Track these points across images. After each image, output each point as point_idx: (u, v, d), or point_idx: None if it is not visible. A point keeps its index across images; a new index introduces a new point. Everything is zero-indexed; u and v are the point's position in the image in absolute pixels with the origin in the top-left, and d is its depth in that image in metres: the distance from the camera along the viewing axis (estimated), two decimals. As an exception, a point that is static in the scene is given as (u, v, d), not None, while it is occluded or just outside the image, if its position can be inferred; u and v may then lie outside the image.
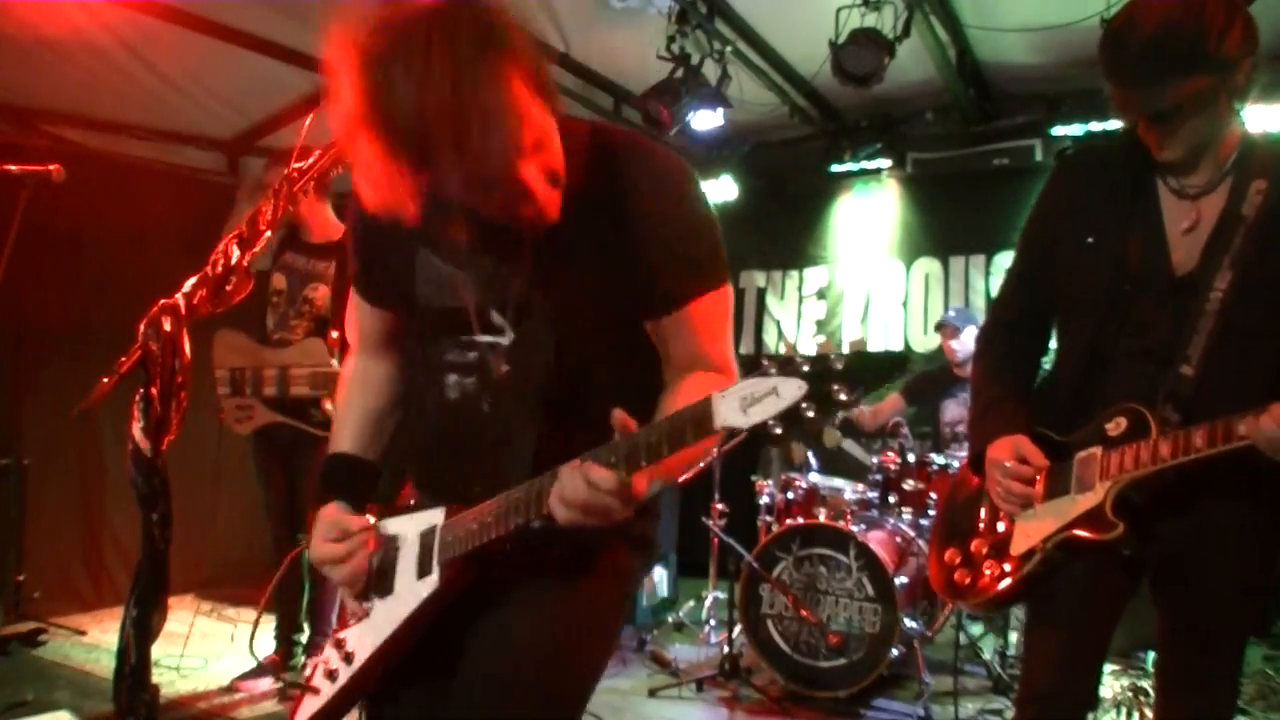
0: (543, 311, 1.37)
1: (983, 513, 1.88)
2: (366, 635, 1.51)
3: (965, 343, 4.65)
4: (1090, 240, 1.76)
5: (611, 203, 1.34)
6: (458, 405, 1.45)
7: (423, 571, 1.45)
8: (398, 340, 1.60)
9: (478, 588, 1.44)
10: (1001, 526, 1.82)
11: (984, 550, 1.84)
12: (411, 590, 1.46)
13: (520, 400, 1.41)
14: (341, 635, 1.57)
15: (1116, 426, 1.68)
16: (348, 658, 1.53)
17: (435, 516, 1.46)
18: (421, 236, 1.40)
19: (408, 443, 1.61)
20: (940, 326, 4.91)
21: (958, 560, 1.88)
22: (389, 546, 1.52)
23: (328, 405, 3.58)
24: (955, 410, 4.73)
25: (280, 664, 3.78)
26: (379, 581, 1.52)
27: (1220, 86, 1.59)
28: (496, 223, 1.31)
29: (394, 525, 1.54)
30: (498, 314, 1.40)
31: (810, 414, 1.01)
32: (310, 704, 1.58)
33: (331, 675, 1.55)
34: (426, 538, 1.47)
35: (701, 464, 1.35)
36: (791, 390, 1.01)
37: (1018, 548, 1.76)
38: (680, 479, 1.29)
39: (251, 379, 3.67)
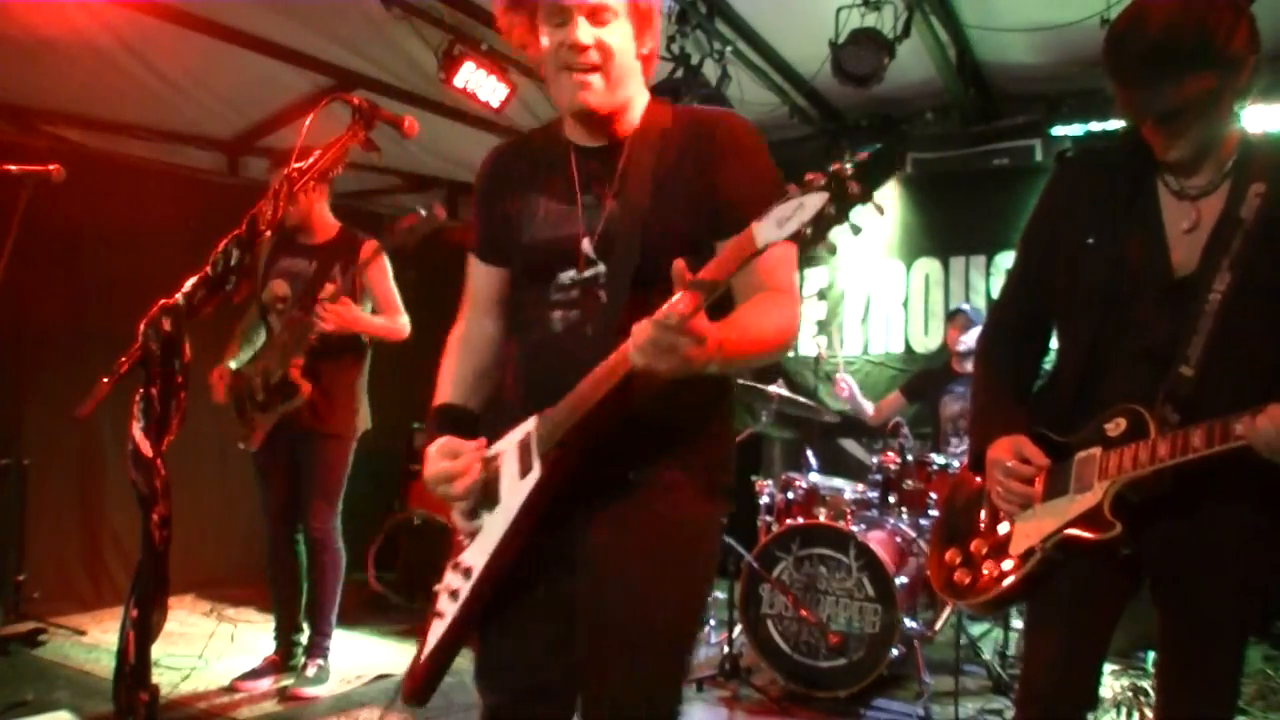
0: (630, 240, 1.56)
1: (983, 513, 1.88)
2: (481, 547, 1.62)
3: (971, 339, 4.67)
4: (1090, 241, 1.76)
5: (697, 147, 1.60)
6: (562, 335, 1.61)
7: (524, 471, 1.58)
8: (505, 303, 1.79)
9: (567, 552, 1.59)
10: (1001, 527, 1.83)
11: (984, 550, 1.84)
12: (517, 491, 1.58)
13: (613, 322, 1.55)
14: (458, 559, 1.67)
15: (1116, 427, 1.69)
16: (466, 573, 1.64)
17: (528, 424, 1.59)
18: (534, 181, 1.69)
19: (513, 386, 1.72)
20: (955, 314, 4.91)
21: (958, 560, 1.88)
22: (491, 467, 1.64)
23: (295, 374, 3.61)
24: (955, 405, 4.74)
25: (280, 664, 3.78)
26: (486, 499, 1.64)
27: (1226, 86, 1.59)
28: (587, 161, 1.63)
29: (493, 449, 1.66)
30: (590, 244, 1.60)
31: (833, 213, 1.19)
32: (438, 626, 1.67)
33: (454, 594, 1.65)
34: (524, 443, 1.59)
35: (770, 357, 1.59)
36: (815, 200, 1.19)
37: (1017, 548, 1.76)
38: (749, 361, 1.56)
39: (247, 395, 3.70)
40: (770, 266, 1.54)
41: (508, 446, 1.63)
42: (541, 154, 1.71)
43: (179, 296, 1.56)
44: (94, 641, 4.27)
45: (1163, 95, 1.58)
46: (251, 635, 4.29)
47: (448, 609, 1.66)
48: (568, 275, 1.62)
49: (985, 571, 1.81)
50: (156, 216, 4.84)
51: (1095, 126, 4.92)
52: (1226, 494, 1.65)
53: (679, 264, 1.31)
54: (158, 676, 1.50)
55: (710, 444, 1.68)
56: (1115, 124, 4.82)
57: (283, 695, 3.60)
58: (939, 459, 4.19)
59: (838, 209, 1.19)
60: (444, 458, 1.63)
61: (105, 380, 1.63)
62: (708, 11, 4.22)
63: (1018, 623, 3.94)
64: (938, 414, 4.86)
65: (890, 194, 5.97)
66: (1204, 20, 1.55)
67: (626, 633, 1.56)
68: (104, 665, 3.89)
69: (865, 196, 1.19)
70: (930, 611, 4.06)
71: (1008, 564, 1.77)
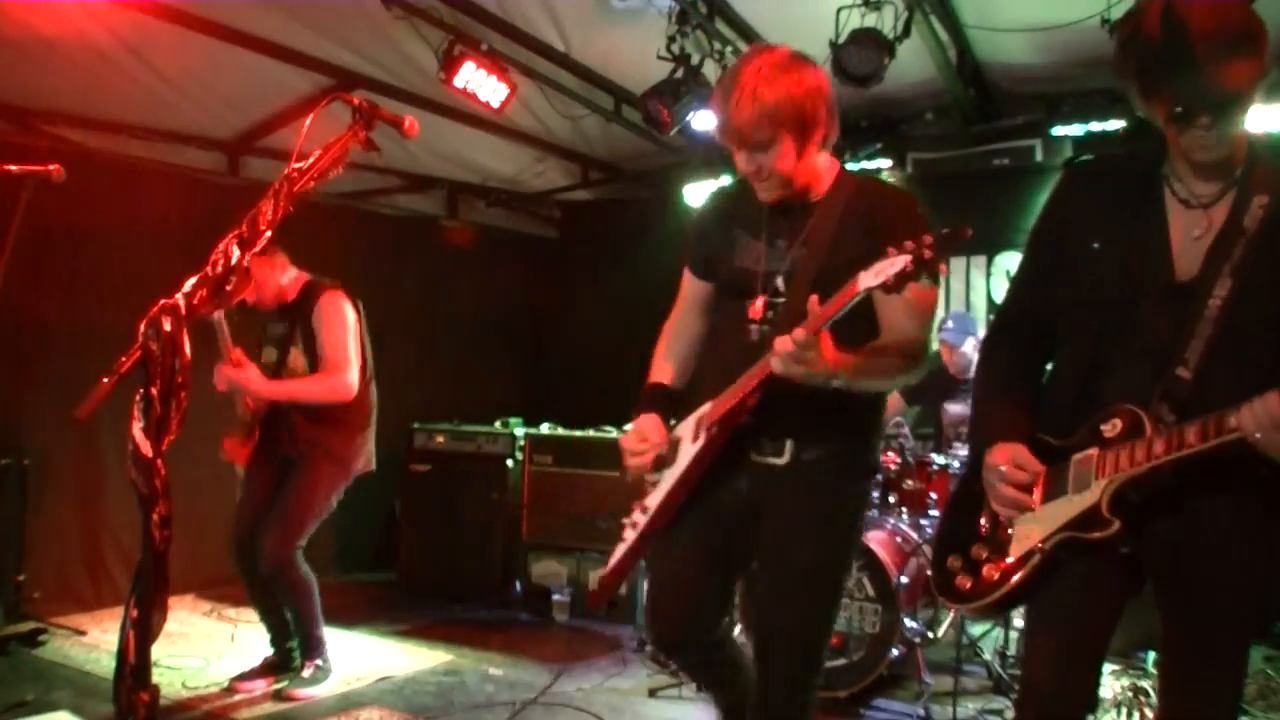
0: (805, 281, 2.00)
1: (983, 518, 1.89)
2: (659, 492, 2.17)
3: (964, 354, 4.66)
4: (1096, 246, 1.77)
5: (870, 216, 2.04)
6: (756, 345, 2.03)
7: (694, 439, 2.13)
8: (707, 309, 2.29)
9: (736, 510, 2.13)
10: (1002, 531, 1.83)
11: (985, 555, 1.84)
12: (687, 453, 2.13)
13: None
14: (644, 502, 2.21)
15: (1112, 428, 1.69)
16: (644, 510, 2.20)
17: (705, 406, 2.13)
18: (740, 221, 2.16)
19: (710, 375, 2.19)
20: (940, 336, 4.88)
21: (959, 565, 1.88)
22: (674, 438, 2.19)
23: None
24: (957, 410, 4.74)
25: (279, 665, 3.77)
26: (669, 461, 2.17)
27: (1262, 75, 1.58)
28: (782, 215, 2.09)
29: (680, 426, 2.20)
30: (780, 280, 2.08)
31: (911, 270, 1.65)
32: (620, 549, 2.22)
33: (634, 525, 2.21)
34: (699, 419, 2.14)
35: (892, 383, 2.16)
36: (900, 261, 1.66)
37: (1017, 550, 1.76)
38: (868, 382, 2.02)
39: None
40: (907, 309, 1.98)
41: (689, 421, 2.16)
42: (746, 199, 2.14)
43: (179, 296, 1.56)
44: (94, 641, 4.27)
45: (1219, 82, 1.56)
46: (251, 635, 4.29)
47: (629, 536, 2.20)
48: (761, 301, 2.08)
49: (986, 575, 1.81)
50: (156, 216, 4.84)
51: (1095, 126, 4.92)
52: (1227, 493, 1.65)
53: (812, 299, 1.78)
54: (158, 676, 1.50)
55: (852, 433, 2.13)
56: (1115, 124, 4.83)
57: (279, 696, 3.60)
58: (939, 459, 4.19)
59: (915, 267, 1.65)
60: (638, 436, 2.16)
61: (105, 380, 1.63)
62: (708, 11, 4.22)
63: (1018, 622, 3.93)
64: (939, 418, 4.85)
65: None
66: (1244, 8, 1.57)
67: (794, 574, 2.10)
68: (104, 665, 3.90)
69: (935, 263, 1.65)
70: (930, 610, 4.06)
71: (1009, 567, 1.77)
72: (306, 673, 3.67)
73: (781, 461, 2.06)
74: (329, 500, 3.70)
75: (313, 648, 3.72)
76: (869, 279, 1.71)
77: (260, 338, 3.77)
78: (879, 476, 4.23)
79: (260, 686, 3.68)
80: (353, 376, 3.60)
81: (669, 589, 2.25)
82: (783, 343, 1.77)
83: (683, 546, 2.18)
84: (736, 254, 2.14)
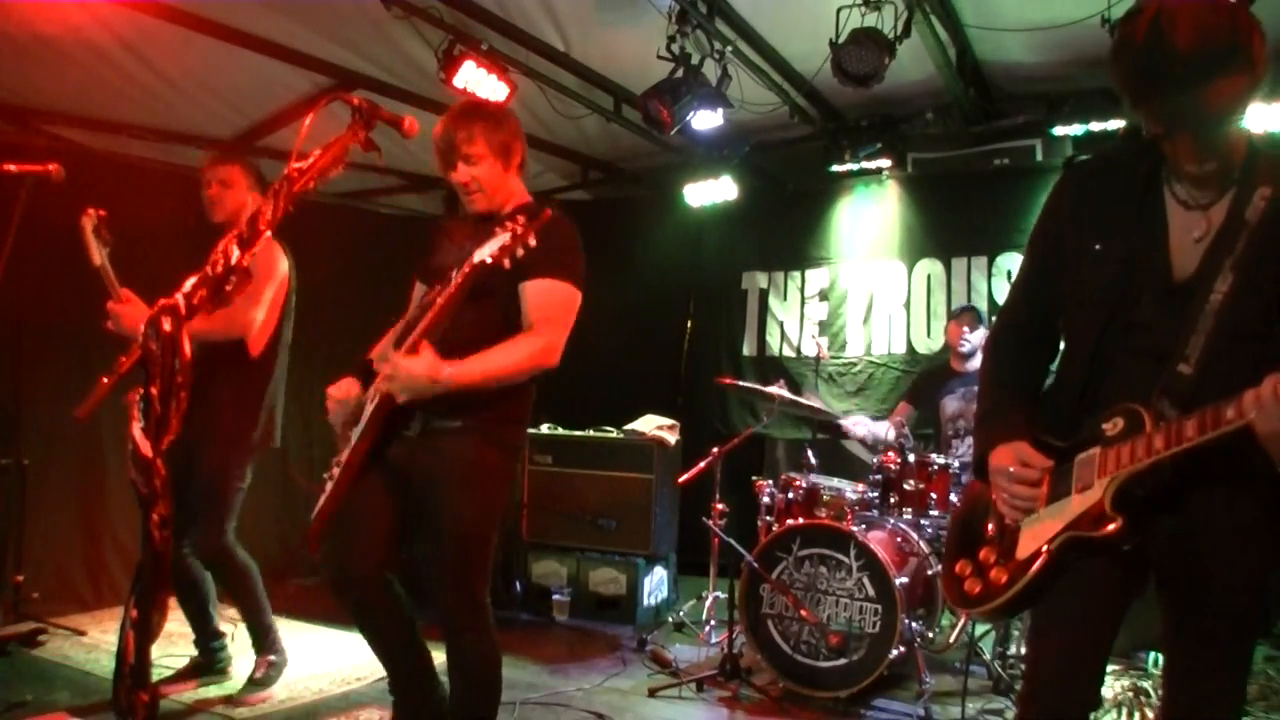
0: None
1: (989, 522, 1.89)
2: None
3: (975, 339, 4.69)
4: (1097, 246, 1.77)
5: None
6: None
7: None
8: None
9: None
10: (1008, 534, 1.83)
11: (992, 558, 1.84)
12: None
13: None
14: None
15: (1114, 426, 1.69)
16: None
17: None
18: None
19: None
20: (965, 310, 4.90)
21: (968, 571, 1.88)
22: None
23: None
24: (954, 405, 4.74)
25: (205, 668, 3.64)
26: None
27: (1254, 86, 1.58)
28: None
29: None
30: None
31: None
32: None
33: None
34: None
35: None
36: None
37: (1024, 551, 1.76)
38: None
39: None
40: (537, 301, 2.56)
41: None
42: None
43: (179, 296, 1.56)
44: (94, 641, 4.27)
45: (1200, 102, 1.56)
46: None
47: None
48: None
49: (994, 578, 1.81)
50: (156, 216, 4.83)
51: (1095, 126, 4.91)
52: (1231, 491, 1.65)
53: None
54: (157, 677, 1.50)
55: None
56: (1115, 124, 4.83)
57: (235, 702, 3.42)
58: (939, 459, 4.19)
59: None
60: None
61: (105, 380, 1.63)
62: (708, 11, 4.22)
63: (1018, 622, 3.93)
64: (938, 415, 4.86)
65: (891, 194, 5.97)
66: (1233, 20, 1.54)
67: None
68: (104, 665, 3.88)
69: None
70: (930, 611, 4.06)
71: (1016, 569, 1.77)
72: (259, 674, 3.53)
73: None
74: (242, 475, 3.48)
75: (263, 639, 3.58)
76: None
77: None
78: (878, 476, 4.24)
79: (187, 689, 3.48)
80: (256, 314, 3.38)
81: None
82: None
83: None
84: None
